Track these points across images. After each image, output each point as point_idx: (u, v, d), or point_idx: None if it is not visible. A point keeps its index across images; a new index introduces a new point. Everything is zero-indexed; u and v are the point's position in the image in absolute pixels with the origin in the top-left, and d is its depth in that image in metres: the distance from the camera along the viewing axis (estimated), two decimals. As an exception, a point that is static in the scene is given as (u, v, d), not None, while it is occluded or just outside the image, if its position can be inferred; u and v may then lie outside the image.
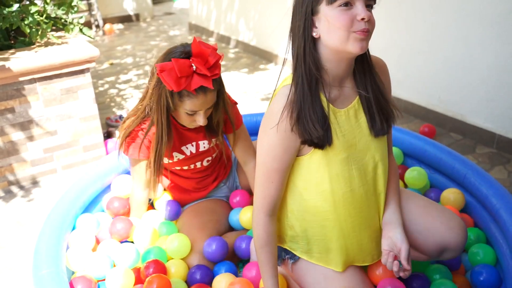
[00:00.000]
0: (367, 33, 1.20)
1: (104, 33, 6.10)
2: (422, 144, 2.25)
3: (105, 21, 6.40)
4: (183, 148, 1.82)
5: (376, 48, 3.37)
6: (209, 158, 1.93)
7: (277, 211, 1.45)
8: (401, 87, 3.30)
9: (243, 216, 1.91)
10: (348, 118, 1.36)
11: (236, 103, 1.89)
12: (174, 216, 1.97)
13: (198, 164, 1.91)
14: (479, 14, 2.68)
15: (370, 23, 1.21)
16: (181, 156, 1.84)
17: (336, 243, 1.44)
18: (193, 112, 1.66)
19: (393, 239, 1.38)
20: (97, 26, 6.10)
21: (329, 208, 1.39)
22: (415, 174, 2.12)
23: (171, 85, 1.53)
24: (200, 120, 1.67)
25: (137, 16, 6.82)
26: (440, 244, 1.46)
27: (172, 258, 1.79)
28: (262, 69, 4.47)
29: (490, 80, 2.73)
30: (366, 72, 1.36)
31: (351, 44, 1.21)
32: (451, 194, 1.99)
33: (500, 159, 2.70)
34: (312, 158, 1.35)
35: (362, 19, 1.18)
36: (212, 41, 5.52)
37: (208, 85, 1.55)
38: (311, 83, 1.28)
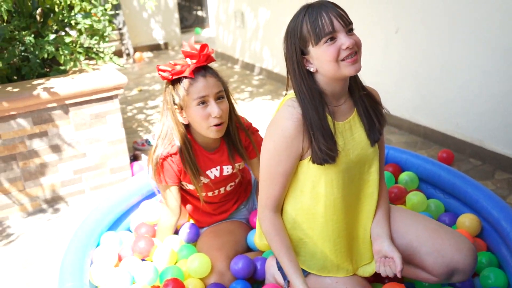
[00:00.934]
0: (356, 56, 1.37)
1: (134, 61, 6.35)
2: (437, 169, 2.29)
3: (136, 49, 6.67)
4: (208, 172, 1.88)
5: (394, 75, 3.46)
6: (232, 184, 1.99)
7: (281, 207, 1.57)
8: (419, 113, 3.34)
9: (257, 239, 1.96)
10: (345, 130, 1.50)
11: (257, 130, 1.98)
12: (194, 238, 2.05)
13: (222, 190, 1.97)
14: (494, 42, 2.72)
15: (356, 44, 1.37)
16: (206, 180, 1.89)
17: (322, 246, 1.55)
18: (203, 100, 1.71)
19: (383, 252, 1.49)
20: (128, 55, 6.36)
21: (320, 210, 1.52)
22: (415, 200, 2.14)
23: (168, 71, 1.70)
24: (214, 111, 1.71)
25: (166, 44, 7.08)
26: (450, 266, 1.50)
27: (190, 277, 1.85)
28: (284, 96, 4.57)
29: (507, 106, 2.75)
30: (359, 87, 1.53)
31: (345, 70, 1.37)
32: (467, 219, 2.01)
33: (519, 185, 2.70)
34: (311, 163, 1.47)
35: (347, 47, 1.34)
36: (237, 68, 5.68)
37: (198, 62, 1.70)
38: (317, 107, 1.42)
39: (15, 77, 2.86)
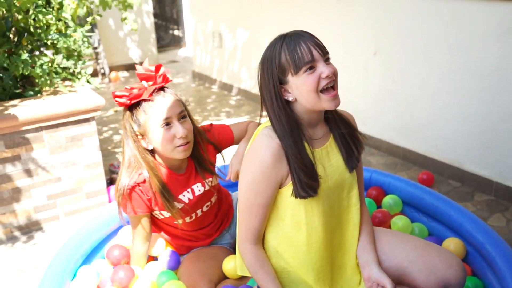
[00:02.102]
0: (335, 91, 1.39)
1: (110, 81, 6.26)
2: (420, 192, 2.29)
3: (111, 69, 6.58)
4: (180, 196, 1.82)
5: (373, 97, 3.48)
6: (208, 204, 1.91)
7: (261, 238, 1.54)
8: (399, 135, 3.37)
9: (227, 265, 1.89)
10: (323, 157, 1.49)
11: (211, 125, 1.93)
12: (175, 265, 1.98)
13: (199, 212, 1.90)
14: (472, 66, 2.77)
15: (334, 73, 1.39)
16: (180, 205, 1.82)
17: (305, 276, 1.52)
18: (166, 122, 1.65)
19: (373, 279, 1.49)
20: (103, 74, 6.26)
21: (302, 239, 1.50)
22: (399, 224, 2.13)
23: (126, 95, 1.65)
24: (179, 131, 1.66)
25: (142, 64, 7.01)
26: (442, 282, 1.49)
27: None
28: (263, 116, 4.56)
29: (485, 128, 2.79)
30: (334, 113, 1.53)
31: (325, 103, 1.39)
32: (452, 244, 2.00)
33: (498, 206, 2.72)
34: (289, 192, 1.45)
35: (327, 76, 1.36)
36: (214, 88, 5.66)
37: (155, 83, 1.67)
38: (295, 138, 1.41)
39: (-14, 98, 2.76)
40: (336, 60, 3.71)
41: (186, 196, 1.82)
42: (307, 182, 1.41)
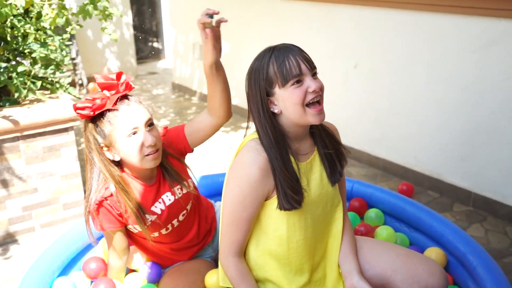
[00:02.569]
0: (321, 106, 1.39)
1: (88, 92, 6.18)
2: (402, 203, 2.30)
3: (89, 80, 6.50)
4: (153, 208, 1.74)
5: (354, 108, 3.51)
6: (184, 212, 1.83)
7: (244, 251, 1.53)
8: (379, 146, 3.40)
9: (209, 280, 1.83)
10: (307, 171, 1.49)
11: (165, 128, 1.83)
12: (156, 278, 1.93)
13: (175, 222, 1.81)
14: (450, 79, 2.83)
15: (321, 88, 1.40)
16: (154, 217, 1.74)
17: (286, 286, 1.52)
18: (134, 132, 1.59)
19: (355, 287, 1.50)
20: (81, 85, 6.18)
21: (283, 253, 1.50)
22: (384, 235, 2.14)
23: (89, 107, 1.56)
24: (148, 139, 1.59)
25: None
26: None
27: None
28: (243, 127, 4.55)
29: (463, 140, 2.84)
30: (319, 127, 1.53)
31: (311, 118, 1.39)
32: (433, 253, 2.01)
33: (477, 217, 2.76)
34: (273, 205, 1.45)
35: (313, 90, 1.36)
36: (194, 100, 5.63)
37: (117, 92, 1.59)
38: (281, 151, 1.41)
39: (-39, 107, 2.69)
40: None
41: (158, 207, 1.74)
42: (291, 195, 1.41)
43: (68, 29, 2.95)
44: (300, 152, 1.48)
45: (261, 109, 1.41)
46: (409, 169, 3.20)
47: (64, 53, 2.84)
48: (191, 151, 1.83)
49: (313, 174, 1.50)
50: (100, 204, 1.65)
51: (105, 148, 1.63)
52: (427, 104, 3.00)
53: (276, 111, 1.41)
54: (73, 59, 6.01)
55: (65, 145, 2.64)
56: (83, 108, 1.57)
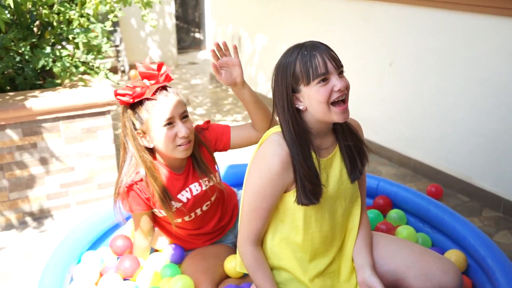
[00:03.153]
0: (345, 104, 1.41)
1: (129, 78, 6.36)
2: (426, 203, 2.29)
3: (131, 67, 6.68)
4: (179, 196, 1.82)
5: (387, 107, 3.49)
6: (208, 203, 1.91)
7: (261, 240, 1.57)
8: (410, 146, 3.37)
9: (228, 264, 1.90)
10: (327, 166, 1.51)
11: (207, 123, 1.90)
12: (178, 259, 2.01)
13: (198, 211, 1.89)
14: (487, 82, 2.77)
15: (347, 87, 1.41)
16: (179, 204, 1.82)
17: (300, 276, 1.55)
18: (169, 122, 1.66)
19: (365, 282, 1.51)
20: (123, 72, 6.37)
21: (299, 242, 1.53)
22: (404, 234, 2.14)
23: (129, 94, 1.64)
24: (182, 131, 1.66)
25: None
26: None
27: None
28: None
29: (497, 145, 2.78)
30: (343, 124, 1.54)
31: (335, 116, 1.41)
32: (453, 255, 2.00)
33: (506, 223, 2.71)
34: (292, 197, 1.48)
35: (339, 89, 1.38)
36: (231, 91, 5.71)
37: (157, 82, 1.67)
38: (303, 147, 1.44)
39: (8, 88, 2.84)
40: (351, 70, 3.73)
41: (184, 196, 1.83)
42: (310, 190, 1.44)
43: (110, 17, 3.06)
44: (321, 147, 1.51)
45: (286, 105, 1.43)
46: (440, 171, 3.16)
47: (105, 39, 2.95)
48: (226, 150, 1.92)
49: (333, 170, 1.53)
50: (130, 188, 1.74)
51: (140, 135, 1.71)
52: (461, 106, 2.95)
53: (301, 107, 1.44)
54: (116, 46, 6.20)
55: (102, 127, 2.75)
56: (123, 95, 1.66)
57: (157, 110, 1.66)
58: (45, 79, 2.99)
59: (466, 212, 2.82)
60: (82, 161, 2.74)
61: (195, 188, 1.84)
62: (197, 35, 8.97)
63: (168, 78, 1.72)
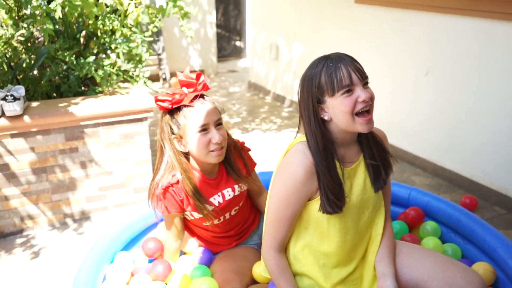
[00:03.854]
0: (370, 115, 1.44)
1: (170, 86, 6.54)
2: (458, 214, 2.26)
3: (172, 75, 6.87)
4: (211, 199, 1.90)
5: (423, 117, 3.45)
6: (236, 208, 1.99)
7: (285, 246, 1.60)
8: (446, 157, 3.31)
9: (256, 269, 1.93)
10: (351, 176, 1.53)
11: (249, 150, 2.03)
12: (207, 262, 2.07)
13: (227, 215, 1.97)
14: (525, 90, 2.71)
15: (371, 97, 1.44)
16: (210, 208, 1.89)
17: (323, 282, 1.57)
18: (204, 129, 1.75)
19: None
20: (164, 79, 6.55)
21: (322, 249, 1.55)
22: (430, 245, 2.11)
23: (169, 100, 1.74)
24: (215, 137, 1.75)
25: (202, 72, 7.25)
26: None
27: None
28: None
29: (535, 156, 2.71)
30: (369, 136, 1.57)
31: (359, 126, 1.44)
32: (481, 268, 1.97)
33: (544, 237, 2.62)
34: (316, 205, 1.52)
35: (363, 100, 1.41)
36: (268, 99, 5.77)
37: (195, 90, 1.76)
38: (327, 157, 1.47)
39: (54, 94, 3.01)
40: (387, 79, 3.71)
41: (216, 200, 1.91)
42: (333, 200, 1.47)
43: (150, 27, 3.18)
44: (346, 157, 1.54)
45: (312, 116, 1.47)
46: (475, 182, 3.09)
47: (144, 49, 3.07)
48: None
49: (356, 179, 1.55)
50: (166, 189, 1.83)
51: (176, 139, 1.81)
52: (498, 116, 2.89)
53: (326, 118, 1.47)
54: (158, 54, 6.39)
55: (139, 133, 2.87)
56: (163, 101, 1.77)
57: (193, 116, 1.75)
58: (88, 87, 3.15)
59: (503, 224, 2.75)
60: (119, 165, 2.86)
61: (228, 193, 1.92)
62: (237, 43, 9.10)
63: (205, 87, 1.82)
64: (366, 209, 1.58)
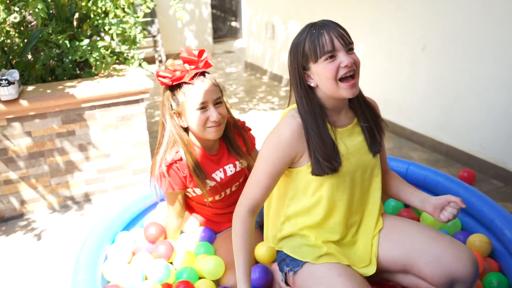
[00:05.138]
0: (354, 79, 1.43)
1: (166, 68, 6.50)
2: (455, 186, 2.26)
3: (168, 56, 6.83)
4: (213, 175, 1.91)
5: (420, 92, 3.44)
6: (237, 184, 2.01)
7: (257, 211, 1.59)
8: (444, 132, 3.32)
9: (259, 251, 1.96)
10: (345, 136, 1.55)
11: (249, 129, 2.04)
12: (209, 241, 2.08)
13: (228, 191, 1.99)
14: (521, 62, 2.70)
15: (355, 63, 1.43)
16: (213, 183, 1.91)
17: (317, 239, 1.58)
18: (202, 106, 1.75)
19: (437, 206, 1.57)
20: (160, 61, 6.52)
21: (321, 211, 1.56)
22: (430, 220, 2.12)
23: (169, 77, 1.75)
24: (213, 115, 1.76)
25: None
26: (449, 275, 1.47)
27: (204, 278, 1.89)
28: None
29: (532, 128, 2.71)
30: (361, 101, 1.59)
31: (343, 91, 1.45)
32: (478, 240, 1.98)
33: (541, 209, 2.64)
34: (309, 170, 1.52)
35: (346, 65, 1.41)
36: (265, 79, 5.75)
37: (196, 67, 1.76)
38: (316, 120, 1.48)
39: (49, 78, 2.99)
40: (384, 55, 3.69)
41: (218, 175, 1.92)
42: (326, 160, 1.47)
43: (142, 7, 3.15)
44: (338, 122, 1.55)
45: (298, 83, 1.49)
46: (473, 156, 3.10)
47: (138, 30, 3.05)
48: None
49: (352, 141, 1.56)
50: (170, 166, 1.84)
51: (176, 115, 1.82)
52: (495, 90, 2.88)
53: (312, 84, 1.49)
54: (153, 36, 6.34)
55: (136, 115, 2.86)
56: (164, 77, 1.78)
57: (193, 94, 1.75)
58: (83, 69, 3.13)
59: (500, 197, 2.77)
60: (117, 147, 2.86)
61: (229, 169, 1.94)
62: (233, 23, 9.03)
63: (207, 65, 1.82)
64: (363, 170, 1.58)
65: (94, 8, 3.01)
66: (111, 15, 3.05)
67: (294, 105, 1.56)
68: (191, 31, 7.13)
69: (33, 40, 2.77)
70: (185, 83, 1.77)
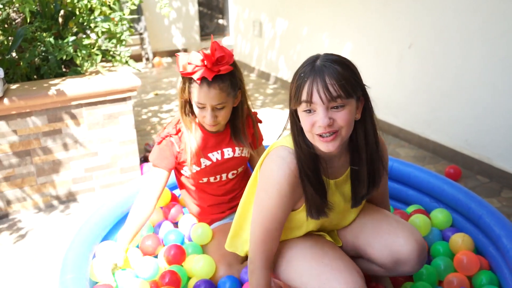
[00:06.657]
0: (330, 136, 1.30)
1: (153, 66, 6.47)
2: (440, 183, 2.29)
3: (155, 54, 6.78)
4: (210, 154, 1.94)
5: (407, 89, 3.47)
6: (235, 172, 2.02)
7: (272, 260, 1.55)
8: (430, 129, 3.35)
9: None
10: (332, 187, 1.50)
11: (260, 122, 2.07)
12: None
13: (224, 176, 2.00)
14: (506, 62, 2.73)
15: (337, 124, 1.29)
16: (208, 162, 1.94)
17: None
18: (201, 105, 1.80)
19: None
20: (147, 59, 6.47)
21: (299, 234, 1.60)
22: (418, 223, 2.11)
23: (179, 65, 1.78)
24: (207, 117, 1.81)
25: (185, 50, 7.19)
26: (391, 255, 1.50)
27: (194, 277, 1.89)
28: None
29: (517, 125, 2.75)
30: (362, 148, 1.42)
31: (318, 144, 1.33)
32: (460, 239, 2.00)
33: (525, 204, 2.68)
34: (298, 214, 1.52)
35: (319, 126, 1.28)
36: (253, 76, 5.74)
37: (208, 77, 1.72)
38: (310, 163, 1.39)
39: (35, 76, 2.95)
40: (371, 53, 3.71)
41: (215, 156, 1.95)
42: (318, 208, 1.44)
43: (128, 4, 3.12)
44: (331, 168, 1.47)
45: (292, 119, 1.40)
46: (459, 152, 3.14)
47: (124, 27, 3.02)
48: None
49: (339, 191, 1.52)
50: (164, 138, 1.92)
51: (184, 99, 1.88)
52: (481, 87, 2.91)
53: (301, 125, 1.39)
54: (140, 34, 6.29)
55: (123, 113, 2.84)
56: (178, 64, 1.80)
57: (195, 92, 1.79)
58: (69, 67, 3.09)
59: (485, 193, 2.80)
60: (104, 146, 2.84)
61: (227, 152, 1.97)
62: (220, 21, 9.00)
63: (223, 71, 1.75)
64: (348, 214, 1.60)
65: (80, 5, 2.98)
66: (97, 12, 3.02)
67: (282, 141, 1.46)
68: (178, 29, 7.09)
69: (19, 39, 2.74)
70: (193, 79, 1.79)
